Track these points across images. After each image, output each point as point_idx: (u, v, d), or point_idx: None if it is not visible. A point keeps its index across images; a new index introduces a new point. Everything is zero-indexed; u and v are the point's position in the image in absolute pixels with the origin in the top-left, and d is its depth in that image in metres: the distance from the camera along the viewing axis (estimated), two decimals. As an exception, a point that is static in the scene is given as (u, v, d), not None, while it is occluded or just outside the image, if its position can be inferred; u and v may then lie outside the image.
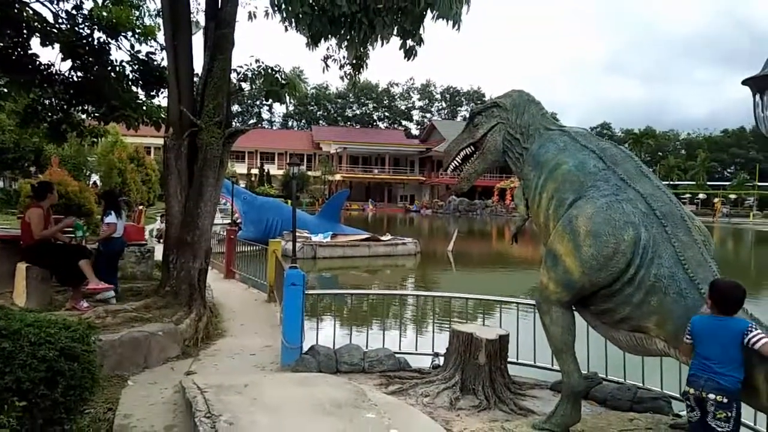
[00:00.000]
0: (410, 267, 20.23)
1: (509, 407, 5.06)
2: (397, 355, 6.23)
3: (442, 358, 6.11)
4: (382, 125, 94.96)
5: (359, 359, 6.08)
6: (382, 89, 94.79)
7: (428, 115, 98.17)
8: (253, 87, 8.60)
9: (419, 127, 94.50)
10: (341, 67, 7.68)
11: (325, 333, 6.88)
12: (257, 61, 8.28)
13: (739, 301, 3.30)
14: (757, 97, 1.93)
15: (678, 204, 4.04)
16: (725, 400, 3.16)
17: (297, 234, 20.06)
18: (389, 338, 6.50)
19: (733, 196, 68.68)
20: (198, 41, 7.67)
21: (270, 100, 8.53)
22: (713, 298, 3.32)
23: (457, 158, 5.40)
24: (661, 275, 3.67)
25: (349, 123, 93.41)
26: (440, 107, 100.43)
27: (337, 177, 67.58)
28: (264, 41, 38.11)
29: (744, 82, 1.96)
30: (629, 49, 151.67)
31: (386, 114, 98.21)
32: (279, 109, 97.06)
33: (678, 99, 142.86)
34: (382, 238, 22.29)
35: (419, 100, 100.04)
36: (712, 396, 3.18)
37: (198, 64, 7.57)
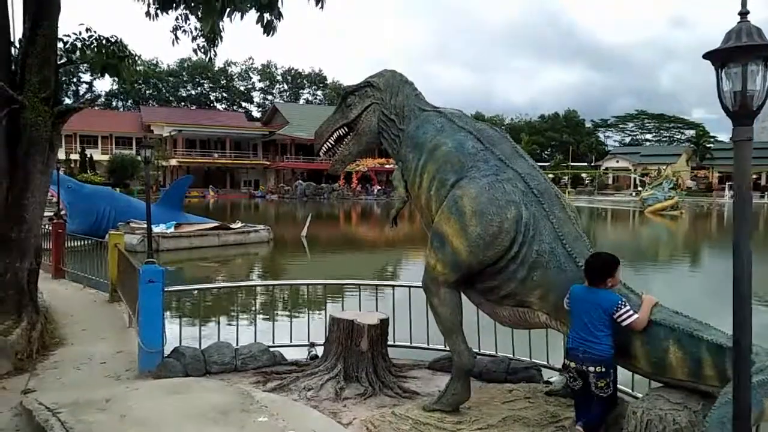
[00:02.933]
0: (264, 255, 19.62)
1: (394, 391, 5.04)
2: (271, 349, 5.91)
3: (318, 348, 5.93)
4: (220, 107, 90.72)
5: (231, 357, 5.66)
6: (219, 68, 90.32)
7: (270, 97, 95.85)
8: (85, 59, 7.51)
9: (261, 109, 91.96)
10: (193, 39, 7.00)
11: (190, 332, 6.32)
12: (89, 30, 7.24)
13: (598, 270, 3.54)
14: (721, 71, 1.97)
15: (550, 182, 4.25)
16: (603, 369, 3.42)
17: (134, 225, 18.51)
18: (261, 332, 6.14)
19: (551, 176, 76.87)
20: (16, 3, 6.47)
21: (106, 75, 7.51)
22: (585, 268, 3.59)
23: (329, 140, 5.19)
24: (543, 251, 3.84)
25: (183, 104, 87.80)
26: (282, 89, 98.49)
27: (173, 162, 63.33)
28: (89, 11, 34.43)
29: (705, 56, 2.00)
30: (456, 36, 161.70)
31: (224, 95, 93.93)
32: (101, 86, 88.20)
33: (502, 86, 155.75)
34: (233, 226, 21.29)
35: (260, 81, 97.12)
36: (591, 368, 3.42)
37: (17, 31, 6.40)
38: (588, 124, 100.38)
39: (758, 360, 2.68)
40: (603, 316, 3.42)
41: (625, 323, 3.37)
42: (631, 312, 3.38)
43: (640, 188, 53.10)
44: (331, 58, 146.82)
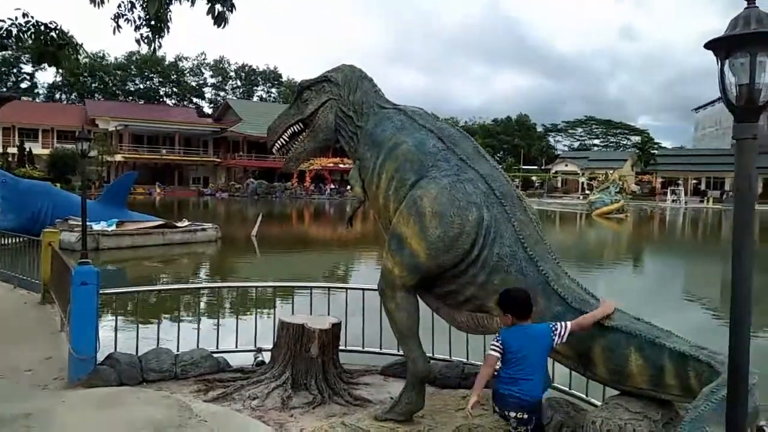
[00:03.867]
0: (212, 254, 19.00)
1: (344, 399, 4.82)
2: (215, 355, 5.58)
3: (266, 354, 5.65)
4: (170, 102, 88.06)
5: (170, 364, 5.31)
6: (170, 63, 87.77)
7: (222, 93, 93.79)
8: (22, 46, 6.95)
9: (213, 105, 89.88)
10: (137, 28, 6.55)
11: (126, 337, 5.91)
12: (26, 15, 6.69)
13: (526, 304, 3.25)
14: (725, 62, 1.79)
15: (512, 184, 4.12)
16: (526, 416, 3.13)
17: (73, 222, 17.57)
18: (205, 336, 5.79)
19: (502, 178, 78.31)
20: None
21: (44, 65, 6.96)
22: (511, 307, 3.25)
23: (283, 136, 4.93)
24: (504, 254, 3.69)
25: (131, 98, 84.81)
26: (235, 85, 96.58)
27: (118, 158, 60.99)
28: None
29: (707, 45, 1.83)
30: (412, 38, 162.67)
31: (174, 90, 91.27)
32: (44, 78, 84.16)
33: (457, 90, 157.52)
34: (178, 224, 20.54)
35: (212, 77, 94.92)
36: (513, 414, 3.16)
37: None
38: (539, 129, 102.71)
39: (724, 369, 2.58)
40: (545, 352, 3.20)
41: (565, 339, 3.16)
42: (563, 323, 3.20)
43: (588, 192, 54.53)
44: (286, 56, 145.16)
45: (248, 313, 7.73)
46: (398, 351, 5.74)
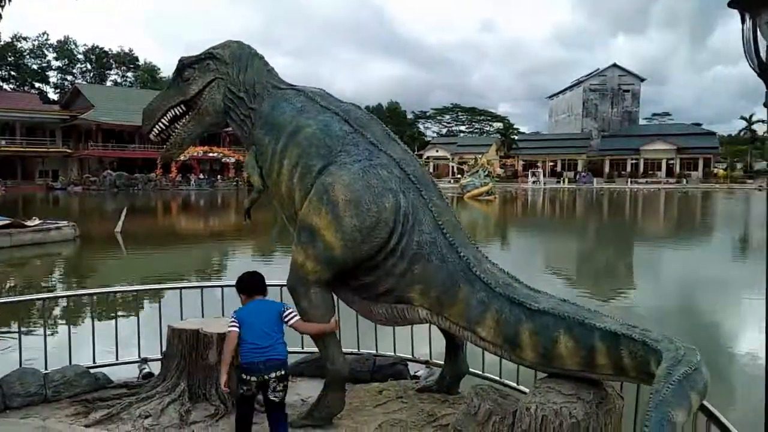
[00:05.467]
0: (71, 255, 17.12)
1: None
2: (92, 371, 4.88)
3: (153, 364, 5.06)
4: (7, 87, 78.23)
5: (38, 386, 4.54)
6: (5, 43, 77.82)
7: (70, 77, 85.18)
8: None
9: (59, 91, 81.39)
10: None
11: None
12: None
13: (261, 284, 3.75)
14: (748, 21, 1.64)
15: (425, 169, 3.97)
16: (282, 372, 3.47)
17: None
18: (78, 350, 5.05)
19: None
20: None
21: None
22: (244, 289, 3.71)
23: (162, 120, 4.40)
24: (423, 242, 3.52)
25: (-42, 82, 74.31)
26: (84, 69, 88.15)
27: (-54, 150, 53.32)
28: None
29: (731, 4, 1.68)
30: (280, 22, 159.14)
31: (12, 74, 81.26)
32: None
33: (328, 76, 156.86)
34: (28, 223, 18.26)
35: (56, 59, 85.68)
36: (273, 374, 3.43)
37: None
38: (409, 116, 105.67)
39: (662, 347, 2.63)
40: (277, 317, 3.58)
41: (290, 323, 3.57)
42: (295, 314, 3.61)
43: (459, 176, 57.02)
44: (143, 38, 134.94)
45: (127, 320, 6.94)
46: (302, 348, 5.44)
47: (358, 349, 5.38)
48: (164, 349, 4.71)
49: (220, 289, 5.50)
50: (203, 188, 60.01)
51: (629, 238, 24.30)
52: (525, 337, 3.20)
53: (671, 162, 76.47)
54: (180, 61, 4.35)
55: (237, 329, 3.48)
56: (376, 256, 3.52)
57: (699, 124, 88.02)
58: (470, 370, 4.46)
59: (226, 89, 4.22)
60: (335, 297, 3.90)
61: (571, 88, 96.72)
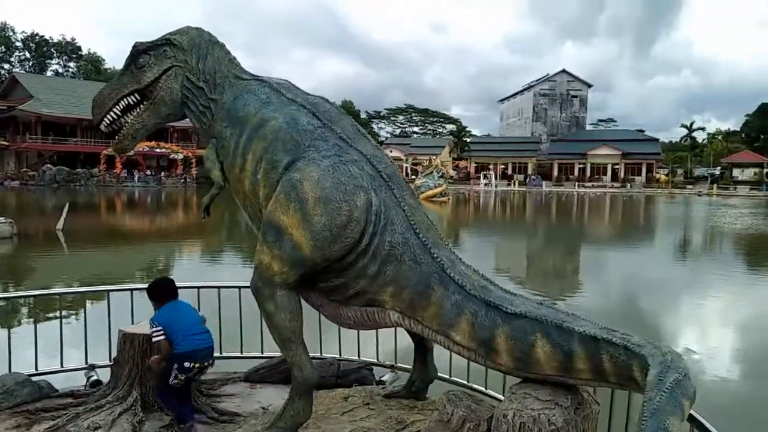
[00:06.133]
0: (8, 253, 16.16)
1: (209, 416, 4.17)
2: (34, 379, 4.53)
3: (101, 372, 4.75)
4: (-64, 74, 73.79)
5: (-27, 398, 4.18)
6: (-66, 27, 73.38)
7: (7, 66, 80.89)
8: None
9: (-6, 80, 77.17)
10: None
11: None
12: None
13: (174, 288, 3.97)
14: None
15: (396, 166, 3.84)
16: (211, 360, 3.84)
17: None
18: (18, 357, 4.69)
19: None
20: None
21: None
22: (158, 297, 3.89)
23: (114, 109, 4.12)
24: (396, 242, 3.38)
25: None
26: (23, 57, 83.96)
27: None
28: None
29: None
30: (228, 17, 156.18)
31: (-60, 60, 76.72)
32: None
33: (280, 73, 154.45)
34: (-41, 219, 17.16)
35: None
36: (208, 362, 3.80)
37: None
38: (363, 116, 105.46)
39: (646, 352, 2.57)
40: (195, 312, 3.99)
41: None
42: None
43: (413, 176, 57.25)
44: (86, 27, 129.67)
45: (72, 323, 6.51)
46: (262, 353, 5.23)
47: (321, 353, 5.20)
48: (114, 355, 4.42)
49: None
50: (150, 185, 58.12)
51: (577, 239, 25.00)
52: (501, 341, 3.11)
53: (616, 167, 79.11)
54: (134, 46, 4.08)
55: (164, 337, 3.66)
56: (347, 256, 3.37)
57: (642, 131, 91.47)
58: (438, 374, 4.36)
59: (184, 78, 3.99)
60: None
61: (521, 92, 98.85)
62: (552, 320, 2.97)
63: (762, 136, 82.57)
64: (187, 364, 3.64)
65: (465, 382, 4.54)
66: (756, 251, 21.36)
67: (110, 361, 4.54)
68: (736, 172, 78.82)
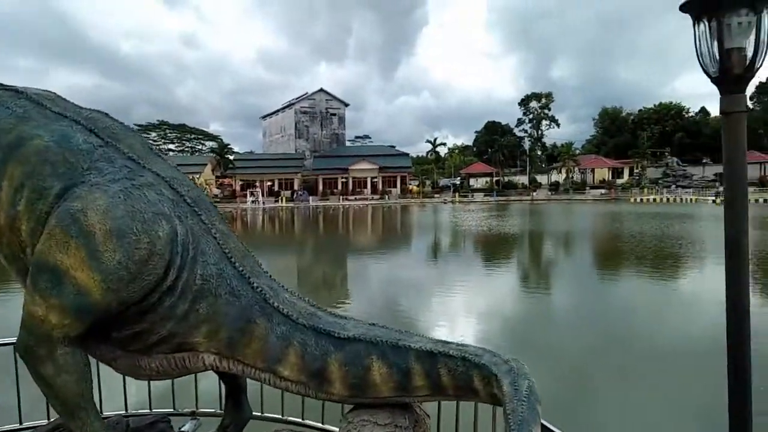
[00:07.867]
0: None
1: None
2: None
3: None
4: None
5: None
6: None
7: None
8: None
9: None
10: None
11: None
12: None
13: None
14: (702, 25, 1.53)
15: (199, 188, 3.40)
16: None
17: None
18: None
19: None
20: None
21: None
22: None
23: None
24: (209, 275, 2.97)
25: None
26: None
27: None
28: None
29: (682, 8, 1.55)
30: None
31: None
32: None
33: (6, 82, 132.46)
34: None
35: None
36: None
37: None
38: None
39: (486, 361, 2.59)
40: None
41: None
42: None
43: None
44: None
45: None
46: (20, 423, 4.20)
47: (102, 411, 4.37)
48: None
49: None
50: None
51: (345, 249, 26.32)
52: (334, 369, 2.93)
53: (375, 180, 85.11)
54: None
55: None
56: (149, 296, 2.84)
57: (394, 146, 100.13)
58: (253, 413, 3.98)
59: None
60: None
61: (283, 109, 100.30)
62: (387, 340, 2.89)
63: (489, 150, 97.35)
64: None
65: (280, 417, 4.23)
66: (497, 248, 24.89)
67: None
68: (472, 181, 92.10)
